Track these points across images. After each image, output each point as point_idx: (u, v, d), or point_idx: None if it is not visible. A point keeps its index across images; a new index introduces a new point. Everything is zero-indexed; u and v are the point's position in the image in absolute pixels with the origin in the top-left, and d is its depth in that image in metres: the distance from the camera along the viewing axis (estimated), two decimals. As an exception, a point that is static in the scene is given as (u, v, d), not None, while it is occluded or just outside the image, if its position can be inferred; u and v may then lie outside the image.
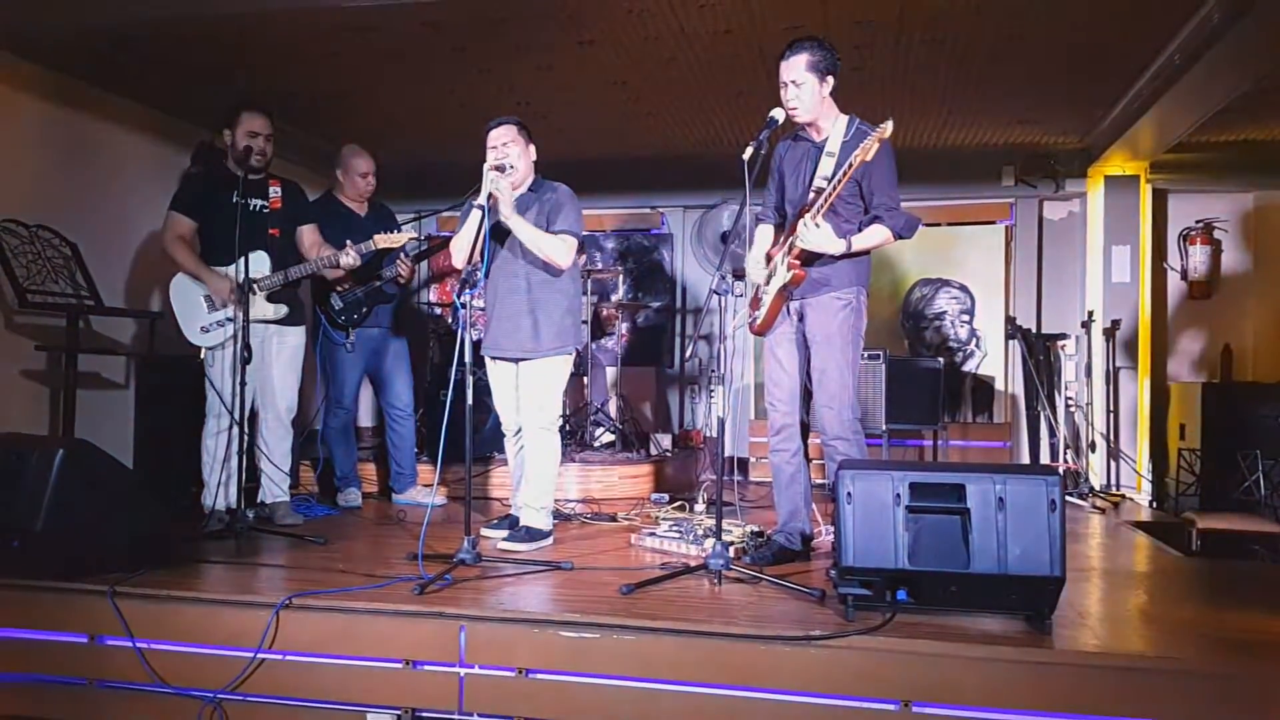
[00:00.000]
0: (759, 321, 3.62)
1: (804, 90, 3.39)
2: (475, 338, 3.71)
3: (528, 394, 3.95)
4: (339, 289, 4.75)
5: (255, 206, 4.21)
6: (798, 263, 3.42)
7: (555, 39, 4.81)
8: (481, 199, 3.61)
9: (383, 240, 4.43)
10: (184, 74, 5.37)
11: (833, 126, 3.46)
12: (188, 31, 4.72)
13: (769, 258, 3.64)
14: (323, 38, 4.83)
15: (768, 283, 3.60)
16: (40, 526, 3.00)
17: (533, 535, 3.88)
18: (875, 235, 3.41)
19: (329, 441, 4.98)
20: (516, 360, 3.96)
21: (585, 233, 6.97)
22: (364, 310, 4.82)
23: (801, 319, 3.56)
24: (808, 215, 3.32)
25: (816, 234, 3.30)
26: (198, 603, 2.98)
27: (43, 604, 3.05)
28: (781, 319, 3.59)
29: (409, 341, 5.13)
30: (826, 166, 3.40)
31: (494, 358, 4.02)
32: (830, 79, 3.41)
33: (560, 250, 3.82)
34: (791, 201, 3.59)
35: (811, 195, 3.41)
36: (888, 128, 3.11)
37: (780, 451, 3.66)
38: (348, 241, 4.29)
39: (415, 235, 4.56)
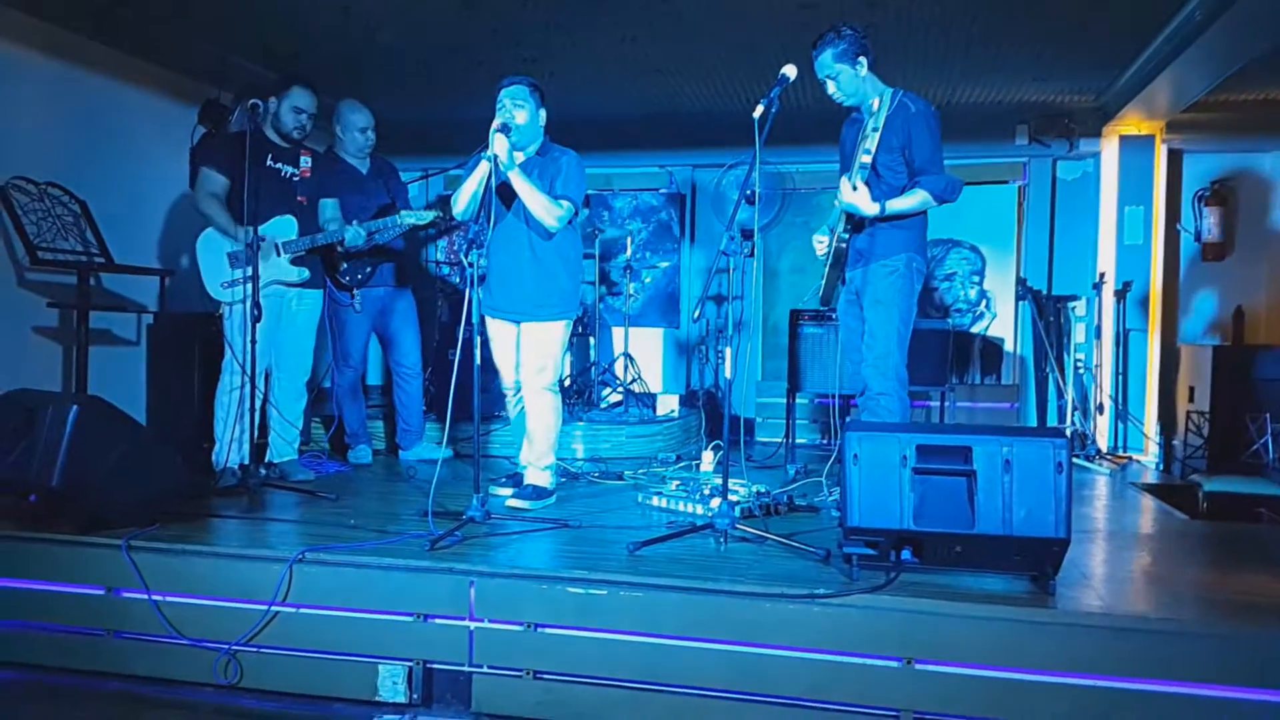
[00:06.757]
0: (821, 292, 3.83)
1: (842, 80, 3.57)
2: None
3: (527, 356, 3.95)
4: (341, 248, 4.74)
5: (286, 174, 4.28)
6: (845, 237, 3.61)
7: (564, -7, 4.75)
8: (488, 155, 3.61)
9: (410, 217, 4.44)
10: (189, 29, 5.32)
11: (879, 102, 3.56)
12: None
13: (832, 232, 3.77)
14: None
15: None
16: (56, 481, 3.04)
17: (538, 493, 3.92)
18: (912, 198, 3.50)
19: (338, 399, 5.00)
20: (517, 321, 3.97)
21: (593, 192, 6.98)
22: (368, 270, 4.80)
23: (858, 289, 3.73)
24: (845, 176, 3.44)
25: (851, 195, 3.43)
26: (212, 556, 3.03)
27: (61, 557, 3.11)
28: (842, 288, 3.79)
29: (417, 301, 5.13)
30: (871, 140, 3.53)
31: (494, 316, 4.02)
32: (863, 59, 3.55)
33: (555, 213, 3.78)
34: None
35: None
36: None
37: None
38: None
39: (441, 213, 4.52)
